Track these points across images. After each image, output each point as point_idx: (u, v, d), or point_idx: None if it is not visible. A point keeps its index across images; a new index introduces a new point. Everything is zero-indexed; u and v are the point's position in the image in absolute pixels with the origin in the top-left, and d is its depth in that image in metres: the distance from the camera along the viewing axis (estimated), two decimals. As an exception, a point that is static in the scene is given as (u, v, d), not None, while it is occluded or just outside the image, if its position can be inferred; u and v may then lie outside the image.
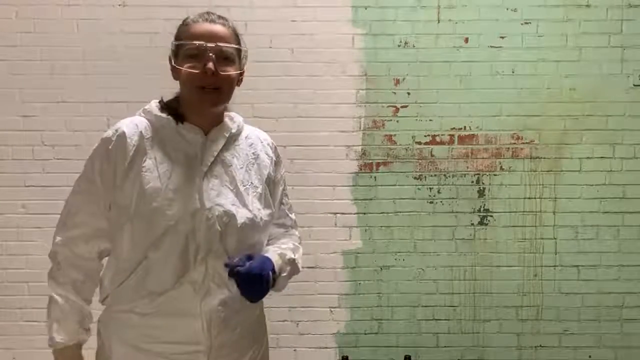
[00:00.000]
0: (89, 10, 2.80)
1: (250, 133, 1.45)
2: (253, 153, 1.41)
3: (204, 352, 1.29)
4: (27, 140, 2.81)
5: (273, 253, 1.38)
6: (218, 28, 1.30)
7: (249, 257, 1.28)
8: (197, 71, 1.27)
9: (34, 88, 2.80)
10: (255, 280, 1.25)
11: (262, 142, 1.46)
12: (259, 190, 1.38)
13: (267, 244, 1.47)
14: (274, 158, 1.47)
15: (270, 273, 1.29)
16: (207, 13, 1.33)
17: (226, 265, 1.26)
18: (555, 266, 2.90)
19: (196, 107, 1.32)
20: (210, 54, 1.26)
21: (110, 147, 1.29)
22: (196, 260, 1.27)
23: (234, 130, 1.38)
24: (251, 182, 1.37)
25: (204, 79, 1.27)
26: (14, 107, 2.80)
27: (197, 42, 1.27)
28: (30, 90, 2.80)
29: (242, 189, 1.34)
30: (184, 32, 1.32)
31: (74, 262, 1.33)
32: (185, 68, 1.28)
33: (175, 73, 1.34)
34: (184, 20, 1.35)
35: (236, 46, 1.33)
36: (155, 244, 1.26)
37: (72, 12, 2.80)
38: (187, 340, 1.28)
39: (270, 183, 1.44)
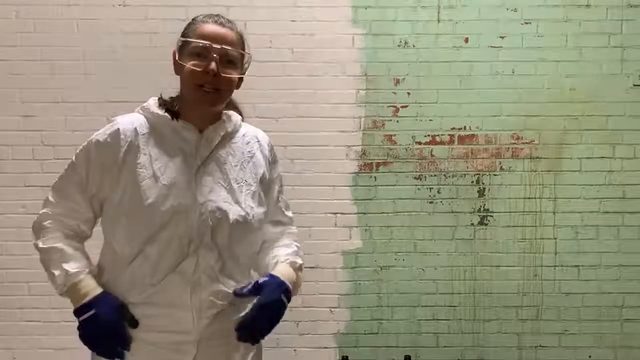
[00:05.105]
0: (89, 10, 2.80)
1: (247, 132, 1.47)
2: (249, 152, 1.44)
3: (193, 342, 1.31)
4: (27, 140, 2.81)
5: (284, 266, 1.42)
6: (226, 31, 1.34)
7: (257, 287, 1.34)
8: (199, 69, 1.30)
9: (34, 88, 2.80)
10: (271, 315, 1.35)
11: (259, 141, 1.48)
12: (253, 188, 1.41)
13: (265, 244, 1.49)
14: (270, 158, 1.49)
15: (285, 300, 1.37)
16: (217, 15, 1.36)
17: (235, 294, 1.33)
18: (555, 266, 2.90)
19: (194, 105, 1.35)
20: (215, 55, 1.29)
21: (102, 140, 1.33)
22: (188, 252, 1.30)
23: (229, 129, 1.41)
24: (245, 180, 1.39)
25: (205, 78, 1.30)
26: (14, 107, 2.80)
27: (203, 42, 1.30)
28: (30, 90, 2.80)
29: (235, 186, 1.37)
30: (192, 30, 1.35)
31: (62, 225, 1.34)
32: (188, 65, 1.30)
33: (178, 69, 1.36)
34: (194, 19, 1.38)
35: (241, 51, 1.36)
36: (151, 238, 1.28)
37: (72, 12, 2.80)
38: (176, 330, 1.30)
39: (265, 182, 1.46)
